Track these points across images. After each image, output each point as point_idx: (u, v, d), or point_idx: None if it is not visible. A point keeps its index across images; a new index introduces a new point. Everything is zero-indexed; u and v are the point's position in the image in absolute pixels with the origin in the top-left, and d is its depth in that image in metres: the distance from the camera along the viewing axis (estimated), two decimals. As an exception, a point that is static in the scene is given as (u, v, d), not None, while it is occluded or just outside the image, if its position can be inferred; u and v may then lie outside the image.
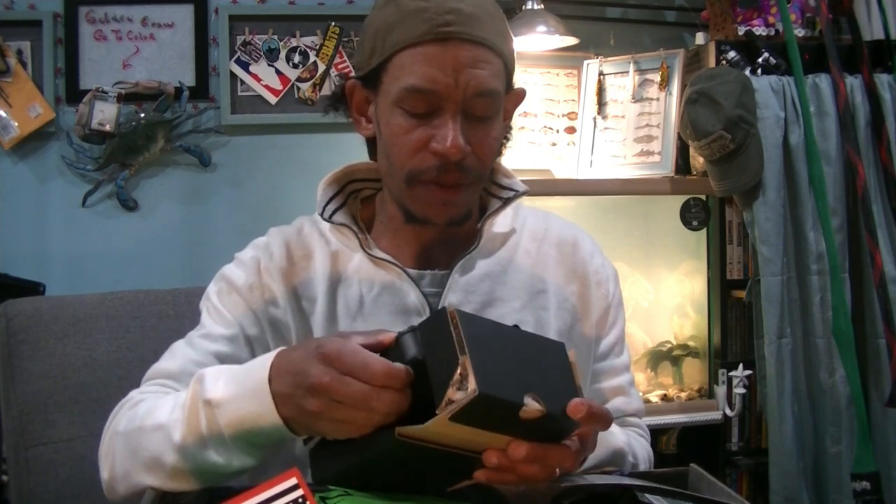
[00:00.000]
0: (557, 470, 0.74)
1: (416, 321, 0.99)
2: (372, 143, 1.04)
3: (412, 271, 1.02)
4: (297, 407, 0.75)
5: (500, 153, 1.07)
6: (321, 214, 1.04)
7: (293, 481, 0.67)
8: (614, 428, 1.00)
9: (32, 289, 1.91)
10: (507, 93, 1.01)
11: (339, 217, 1.04)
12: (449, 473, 0.75)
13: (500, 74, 0.96)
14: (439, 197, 0.97)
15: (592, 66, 2.23)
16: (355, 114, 1.04)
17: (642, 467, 1.03)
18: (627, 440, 1.02)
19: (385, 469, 0.75)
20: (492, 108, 0.96)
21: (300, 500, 0.66)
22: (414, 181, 0.97)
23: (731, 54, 2.05)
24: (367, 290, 1.02)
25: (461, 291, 1.02)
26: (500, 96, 0.97)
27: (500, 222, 1.07)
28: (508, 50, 0.98)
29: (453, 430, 0.68)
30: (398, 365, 0.72)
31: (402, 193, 1.00)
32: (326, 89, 2.30)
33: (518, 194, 1.07)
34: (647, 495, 0.68)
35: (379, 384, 0.71)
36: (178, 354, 1.00)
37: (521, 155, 2.19)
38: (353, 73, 1.03)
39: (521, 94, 1.06)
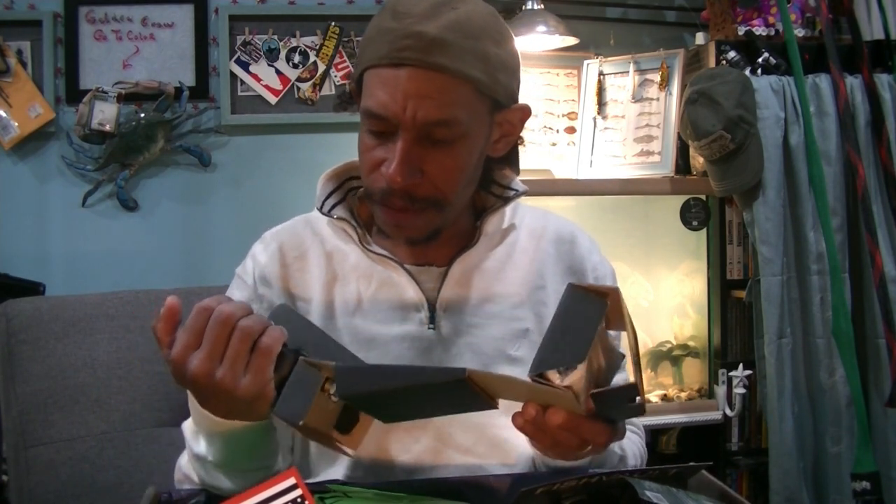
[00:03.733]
0: (590, 445, 0.78)
1: (415, 317, 1.00)
2: None
3: (410, 267, 1.02)
4: (222, 397, 0.76)
5: (514, 166, 1.10)
6: (320, 209, 1.04)
7: (292, 481, 0.67)
8: None
9: (32, 289, 1.91)
10: (500, 111, 0.98)
11: (338, 211, 1.04)
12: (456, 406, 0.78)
13: (464, 101, 0.92)
14: (389, 218, 0.98)
15: (592, 66, 2.23)
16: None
17: (631, 463, 1.03)
18: None
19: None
20: (452, 134, 0.93)
21: (299, 499, 0.66)
22: (371, 198, 0.99)
23: (731, 54, 2.05)
24: (364, 287, 1.02)
25: (459, 287, 1.02)
26: (462, 123, 0.93)
27: (499, 220, 1.07)
28: (487, 72, 0.93)
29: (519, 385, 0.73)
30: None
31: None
32: (326, 89, 2.30)
33: (518, 194, 1.07)
34: (647, 493, 0.68)
35: (213, 305, 0.75)
36: None
37: (521, 155, 2.18)
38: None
39: (523, 111, 1.03)
